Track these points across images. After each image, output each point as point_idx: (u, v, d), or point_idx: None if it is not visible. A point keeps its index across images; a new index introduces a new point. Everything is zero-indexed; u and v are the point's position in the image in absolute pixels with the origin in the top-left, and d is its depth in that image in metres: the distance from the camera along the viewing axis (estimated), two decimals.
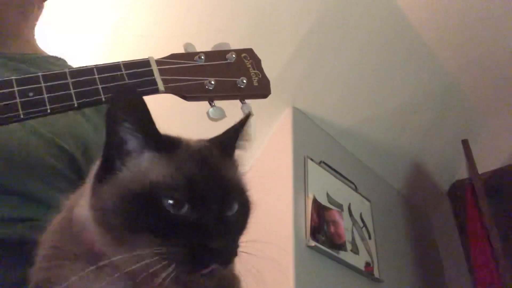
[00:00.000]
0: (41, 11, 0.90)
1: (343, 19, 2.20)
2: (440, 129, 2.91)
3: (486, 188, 2.48)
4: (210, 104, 0.70)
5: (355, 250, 2.27)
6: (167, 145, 0.47)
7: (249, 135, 0.53)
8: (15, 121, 0.58)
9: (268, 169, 2.25)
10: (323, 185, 2.30)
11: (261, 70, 0.76)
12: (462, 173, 2.93)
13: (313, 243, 2.00)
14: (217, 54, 0.74)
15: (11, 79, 0.58)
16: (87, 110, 0.78)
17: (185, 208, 0.43)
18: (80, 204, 0.49)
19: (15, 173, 0.66)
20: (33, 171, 0.67)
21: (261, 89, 0.73)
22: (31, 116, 0.58)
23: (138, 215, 0.43)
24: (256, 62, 0.77)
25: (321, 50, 2.30)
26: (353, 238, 2.30)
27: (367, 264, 2.30)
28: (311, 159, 2.31)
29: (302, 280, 1.88)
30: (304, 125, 2.47)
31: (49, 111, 0.59)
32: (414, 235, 2.99)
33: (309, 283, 1.93)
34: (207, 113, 0.69)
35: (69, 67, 0.88)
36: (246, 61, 0.75)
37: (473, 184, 2.55)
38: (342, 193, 2.42)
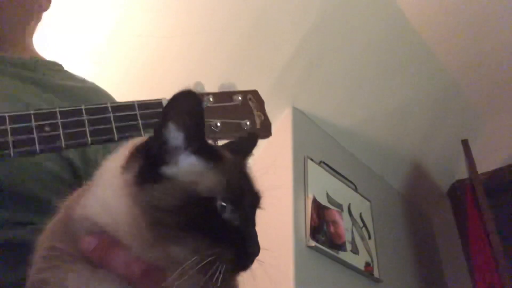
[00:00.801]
0: (39, 20, 0.92)
1: (343, 19, 2.20)
2: (440, 129, 2.91)
3: (486, 188, 2.49)
4: (215, 144, 0.73)
5: (355, 250, 2.28)
6: (210, 153, 0.50)
7: (252, 153, 0.59)
8: (31, 155, 0.60)
9: (268, 169, 2.25)
10: (323, 185, 2.30)
11: (264, 112, 0.80)
12: (462, 173, 2.92)
13: (313, 243, 2.00)
14: (224, 96, 0.77)
15: (30, 113, 0.61)
16: None
17: (229, 213, 0.47)
18: (82, 205, 0.48)
19: (17, 177, 0.66)
20: (34, 176, 0.68)
21: (263, 131, 0.78)
22: (47, 151, 0.61)
23: (196, 216, 0.45)
24: (260, 104, 0.80)
25: (321, 50, 2.30)
26: (353, 238, 2.30)
27: (367, 264, 2.30)
28: (311, 159, 2.31)
29: (302, 280, 1.88)
30: (304, 125, 2.47)
31: (63, 146, 0.61)
32: (414, 235, 2.99)
33: (309, 283, 1.93)
34: None
35: (66, 72, 0.89)
36: (251, 103, 0.79)
37: (473, 184, 2.55)
38: (342, 193, 2.42)
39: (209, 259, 0.44)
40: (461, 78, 2.64)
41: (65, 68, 0.91)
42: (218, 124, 0.73)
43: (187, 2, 2.04)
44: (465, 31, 2.36)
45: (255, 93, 0.81)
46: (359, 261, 2.26)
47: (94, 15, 2.02)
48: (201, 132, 0.48)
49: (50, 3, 0.91)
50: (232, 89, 0.80)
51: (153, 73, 2.14)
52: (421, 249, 2.99)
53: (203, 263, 0.43)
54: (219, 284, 0.44)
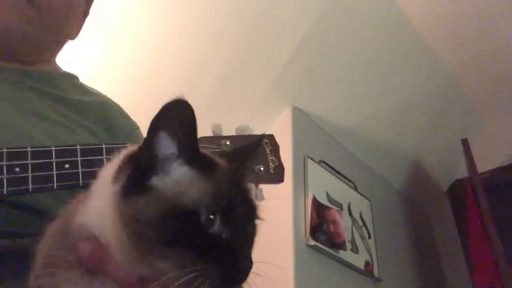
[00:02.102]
0: (64, 45, 0.95)
1: (343, 19, 2.20)
2: (439, 129, 2.92)
3: (485, 187, 2.49)
4: None
5: (355, 249, 2.28)
6: (203, 162, 0.48)
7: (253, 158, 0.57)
8: (48, 191, 0.60)
9: None
10: (323, 184, 2.31)
11: (278, 157, 0.79)
12: (462, 172, 2.93)
13: (313, 242, 2.00)
14: (240, 140, 0.78)
15: (51, 149, 0.61)
16: (95, 127, 0.80)
17: (217, 226, 0.44)
18: (80, 212, 0.48)
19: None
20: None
21: (276, 176, 0.78)
22: (64, 187, 0.60)
23: (178, 230, 0.43)
24: (275, 148, 0.80)
25: (321, 50, 2.30)
26: (352, 237, 2.31)
27: (367, 263, 2.31)
28: (311, 159, 2.31)
29: (302, 279, 1.88)
30: (304, 125, 2.47)
31: (81, 185, 0.61)
32: (413, 234, 3.00)
33: (309, 282, 1.93)
34: None
35: (82, 86, 0.91)
36: (266, 148, 0.79)
37: (473, 184, 2.55)
38: (342, 192, 2.42)
39: (192, 275, 0.42)
40: (461, 78, 2.64)
41: (81, 80, 0.93)
42: None
43: (187, 2, 2.04)
44: (465, 31, 2.36)
45: (271, 137, 0.82)
46: (359, 260, 2.26)
47: (93, 15, 2.02)
48: (193, 141, 0.46)
49: (78, 34, 0.96)
50: (248, 133, 0.80)
51: (153, 72, 2.14)
52: (421, 248, 2.99)
53: (184, 279, 0.41)
54: None
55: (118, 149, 0.60)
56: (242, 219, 0.47)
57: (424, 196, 3.22)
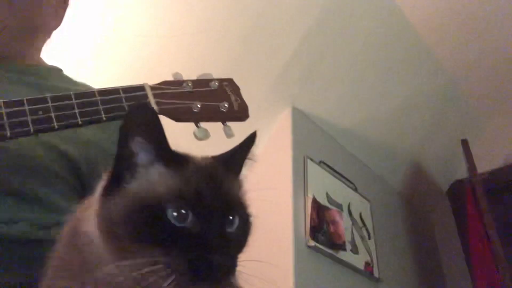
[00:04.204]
0: (49, 36, 0.97)
1: (342, 19, 2.20)
2: (439, 129, 2.91)
3: (485, 188, 2.48)
4: (197, 125, 0.78)
5: (355, 250, 2.28)
6: (177, 160, 0.49)
7: (253, 154, 0.56)
8: (24, 136, 0.65)
9: (267, 169, 2.25)
10: (322, 185, 2.30)
11: (240, 97, 0.85)
12: (462, 173, 2.92)
13: (312, 243, 2.00)
14: (202, 82, 0.84)
15: (23, 100, 0.66)
16: None
17: (189, 220, 0.44)
18: (87, 218, 0.49)
19: (18, 175, 0.69)
20: (36, 175, 0.70)
21: (241, 113, 0.83)
22: (40, 131, 0.66)
23: (143, 226, 0.44)
24: (236, 90, 0.86)
25: (321, 50, 2.30)
26: (352, 238, 2.30)
27: (367, 264, 2.31)
28: (311, 159, 2.31)
29: (302, 280, 1.88)
30: (304, 125, 2.47)
31: (56, 127, 0.67)
32: (413, 235, 2.99)
33: (308, 283, 1.93)
34: (194, 133, 0.78)
35: (67, 76, 0.94)
36: (227, 89, 0.84)
37: (472, 184, 2.55)
38: (342, 193, 2.42)
39: (156, 267, 0.42)
40: (461, 78, 2.64)
41: (65, 72, 0.95)
42: (198, 105, 0.78)
43: (187, 2, 2.04)
44: (464, 31, 2.36)
45: (230, 80, 0.87)
46: (359, 261, 2.26)
47: (93, 15, 2.02)
48: (163, 139, 0.48)
49: (60, 23, 0.96)
50: (209, 77, 0.85)
51: (152, 73, 2.13)
52: (421, 249, 2.99)
53: (146, 270, 0.42)
54: None
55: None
56: (217, 213, 0.46)
57: (424, 197, 3.22)
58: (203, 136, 0.77)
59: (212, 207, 0.46)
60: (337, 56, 2.34)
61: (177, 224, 0.44)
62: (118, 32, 2.06)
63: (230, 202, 0.48)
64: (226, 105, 0.81)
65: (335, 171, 2.45)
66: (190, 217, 0.44)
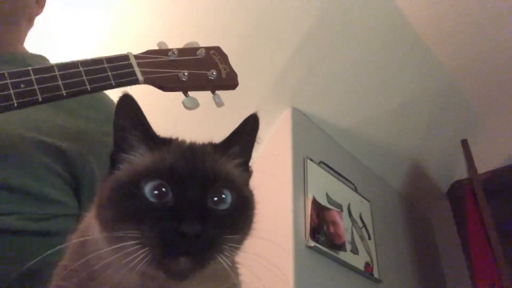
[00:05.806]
0: (31, 25, 0.96)
1: (342, 19, 2.20)
2: (439, 129, 2.91)
3: (485, 188, 2.48)
4: (185, 94, 0.76)
5: (355, 250, 2.28)
6: (160, 143, 0.50)
7: (258, 137, 0.55)
8: (9, 110, 0.62)
9: (267, 170, 2.25)
10: (322, 185, 2.30)
11: (228, 64, 0.82)
12: (462, 173, 2.92)
13: (312, 244, 2.00)
14: (188, 50, 0.82)
15: (3, 73, 0.64)
16: (74, 103, 0.81)
17: (169, 196, 0.45)
18: (93, 228, 0.50)
19: (10, 169, 0.69)
20: (26, 168, 0.70)
21: (230, 81, 0.80)
22: (24, 105, 0.63)
23: (122, 204, 0.45)
24: (224, 58, 0.83)
25: (321, 50, 2.30)
26: (352, 239, 2.30)
27: (367, 264, 2.30)
28: (311, 160, 2.31)
29: (302, 280, 1.88)
30: (304, 126, 2.47)
31: (40, 100, 0.64)
32: (413, 235, 2.99)
33: (308, 283, 1.92)
34: (182, 102, 0.75)
35: (49, 63, 0.92)
36: (214, 57, 0.82)
37: (472, 184, 2.55)
38: (342, 193, 2.42)
39: (131, 242, 0.42)
40: (460, 78, 2.64)
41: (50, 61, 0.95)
42: (186, 74, 0.76)
43: (187, 2, 2.04)
44: (464, 31, 2.36)
45: (218, 48, 0.85)
46: (358, 261, 2.25)
47: (92, 15, 2.02)
48: (147, 124, 0.50)
49: (42, 10, 0.96)
50: (195, 46, 0.84)
51: None
52: (421, 249, 2.99)
53: (116, 246, 0.42)
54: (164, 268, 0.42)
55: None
56: (194, 186, 0.46)
57: (424, 197, 3.22)
58: (193, 105, 0.75)
59: (187, 179, 0.46)
60: (337, 56, 2.34)
61: (154, 200, 0.45)
62: (117, 32, 2.06)
63: (212, 176, 0.48)
64: (214, 73, 0.79)
65: (335, 171, 2.45)
66: (169, 192, 0.45)
